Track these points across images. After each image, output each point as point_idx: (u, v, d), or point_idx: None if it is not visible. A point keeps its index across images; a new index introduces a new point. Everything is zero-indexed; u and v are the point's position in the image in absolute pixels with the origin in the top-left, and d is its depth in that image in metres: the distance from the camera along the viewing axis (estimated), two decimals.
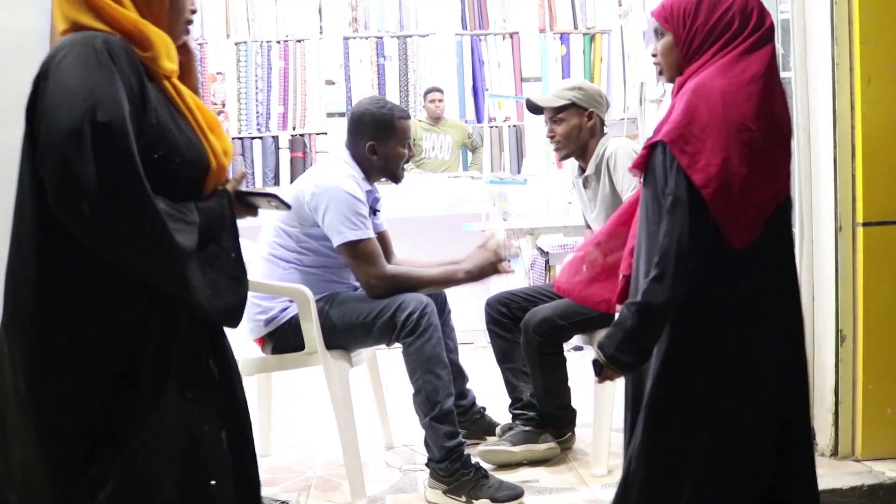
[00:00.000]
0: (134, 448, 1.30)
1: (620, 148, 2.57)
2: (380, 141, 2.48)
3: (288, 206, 1.55)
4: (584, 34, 6.41)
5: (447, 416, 2.32)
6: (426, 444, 2.36)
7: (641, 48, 5.71)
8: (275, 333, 2.42)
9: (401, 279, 2.41)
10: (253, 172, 6.04)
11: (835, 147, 2.48)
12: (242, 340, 2.45)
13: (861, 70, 2.44)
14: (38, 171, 1.26)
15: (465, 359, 2.85)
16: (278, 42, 6.10)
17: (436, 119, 5.77)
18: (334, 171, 2.46)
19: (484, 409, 2.84)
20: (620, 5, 6.31)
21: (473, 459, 2.37)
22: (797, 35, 2.54)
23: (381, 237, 2.64)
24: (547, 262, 4.58)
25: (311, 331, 2.33)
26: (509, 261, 2.53)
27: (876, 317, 2.48)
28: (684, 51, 1.69)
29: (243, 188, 1.52)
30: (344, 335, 2.40)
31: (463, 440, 2.37)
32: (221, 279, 1.38)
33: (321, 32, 6.13)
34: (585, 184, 2.70)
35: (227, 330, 1.47)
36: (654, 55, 1.78)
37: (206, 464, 1.36)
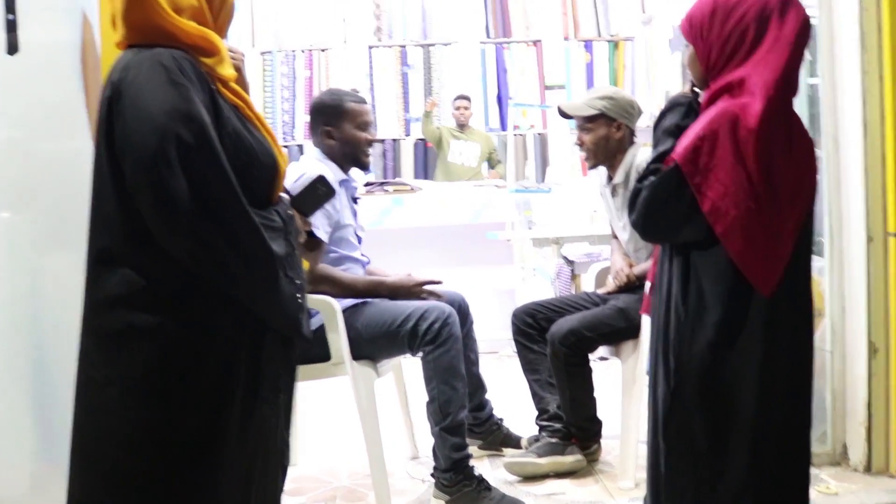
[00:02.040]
0: (229, 453, 1.33)
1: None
2: (333, 125, 2.54)
3: (333, 191, 1.59)
4: (608, 41, 6.39)
5: (457, 428, 2.35)
6: (434, 452, 2.40)
7: (665, 55, 5.69)
8: None
9: (329, 280, 2.42)
10: None
11: (865, 156, 2.46)
12: None
13: (891, 78, 2.41)
14: (122, 188, 1.29)
15: (490, 368, 2.86)
16: (303, 51, 6.14)
17: (462, 126, 5.80)
18: (310, 164, 2.51)
19: (501, 420, 2.83)
20: (644, 12, 6.30)
21: (477, 472, 2.39)
22: (825, 41, 2.52)
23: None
24: (572, 271, 4.57)
25: (338, 341, 2.34)
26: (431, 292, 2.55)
27: None
28: (705, 64, 1.67)
29: None
30: (369, 345, 2.41)
31: (469, 453, 2.40)
32: (297, 287, 1.40)
33: (345, 42, 6.17)
34: (613, 192, 2.70)
35: None
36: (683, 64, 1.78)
37: (276, 467, 1.43)
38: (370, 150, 2.61)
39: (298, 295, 1.41)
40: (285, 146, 6.11)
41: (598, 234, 3.88)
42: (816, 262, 2.57)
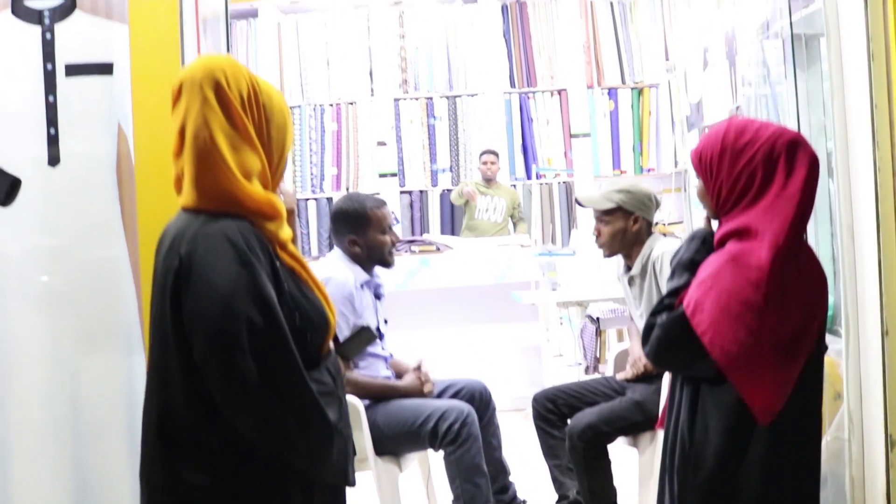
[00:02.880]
0: None
1: (667, 252, 2.61)
2: (358, 233, 2.62)
3: (379, 336, 1.67)
4: (632, 88, 6.46)
5: None
6: None
7: (690, 89, 5.74)
8: None
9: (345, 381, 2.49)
10: (308, 233, 6.22)
11: (879, 250, 2.49)
12: None
13: None
14: (186, 356, 1.35)
15: (515, 427, 2.91)
16: (331, 105, 6.29)
17: (488, 181, 5.86)
18: (336, 266, 2.59)
19: (524, 501, 2.89)
20: (668, 59, 6.35)
21: None
22: (839, 141, 2.57)
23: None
24: (597, 328, 4.61)
25: (362, 439, 2.42)
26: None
27: None
28: (715, 201, 1.72)
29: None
30: (391, 442, 2.50)
31: None
32: (346, 438, 1.46)
33: (372, 94, 6.30)
34: (630, 282, 2.75)
35: None
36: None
37: None
38: (395, 250, 2.70)
39: (346, 445, 1.46)
40: (314, 198, 6.26)
41: (621, 296, 3.92)
42: (835, 345, 2.61)
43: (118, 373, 2.37)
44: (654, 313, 1.71)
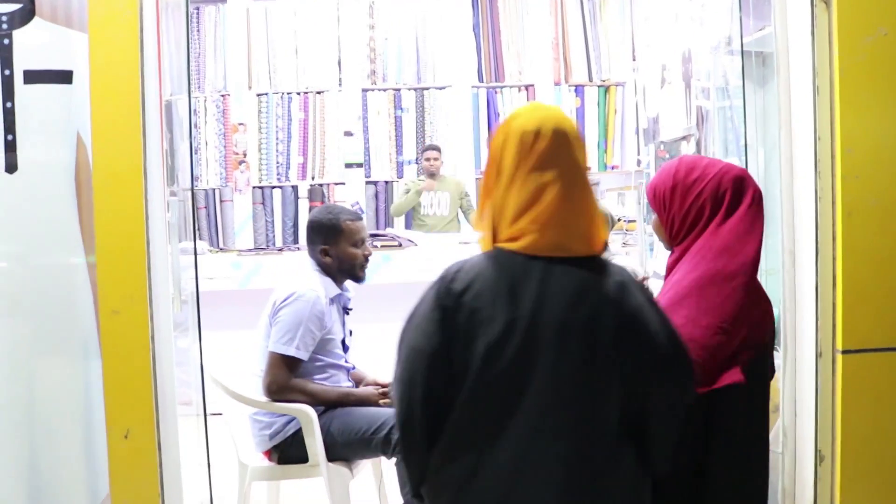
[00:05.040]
0: None
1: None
2: (330, 244, 2.66)
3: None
4: (599, 86, 6.53)
5: None
6: None
7: (648, 103, 5.82)
8: (280, 446, 2.58)
9: (298, 391, 2.56)
10: (272, 221, 6.22)
11: (816, 275, 2.59)
12: (251, 454, 2.61)
13: (842, 204, 2.54)
14: (622, 394, 1.45)
15: None
16: (298, 94, 6.28)
17: (432, 176, 5.90)
18: (310, 282, 2.63)
19: None
20: (634, 59, 6.42)
21: None
22: (784, 168, 2.65)
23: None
24: None
25: (314, 446, 2.48)
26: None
27: (853, 440, 2.58)
28: (668, 232, 1.82)
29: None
30: (344, 448, 2.56)
31: None
32: None
33: (340, 85, 6.30)
34: None
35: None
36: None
37: None
38: (366, 265, 2.73)
39: None
40: (279, 187, 6.26)
41: None
42: (776, 360, 2.72)
43: (75, 378, 2.40)
44: None
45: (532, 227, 1.46)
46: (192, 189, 2.58)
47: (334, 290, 2.67)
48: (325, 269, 2.68)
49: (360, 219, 2.76)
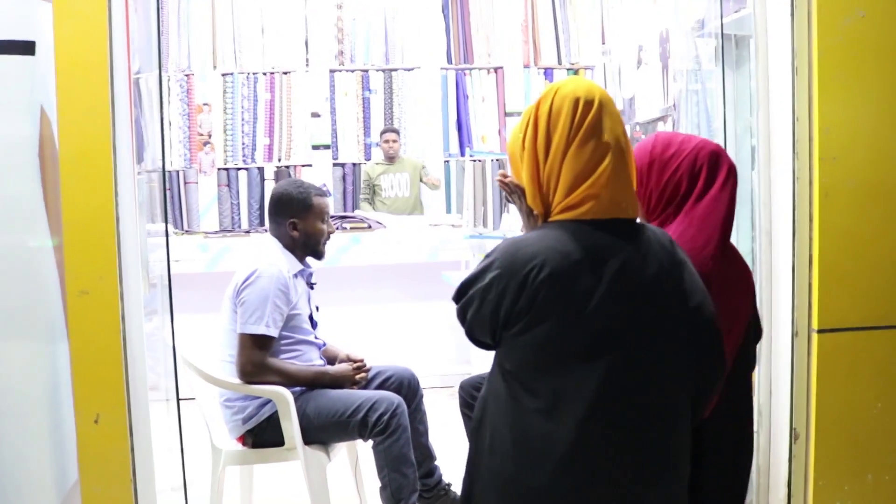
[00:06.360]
0: None
1: None
2: (300, 218, 2.62)
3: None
4: (568, 69, 6.52)
5: None
6: None
7: (624, 84, 5.83)
8: (254, 430, 2.53)
9: (273, 371, 2.52)
10: (238, 203, 6.12)
11: (793, 256, 2.60)
12: (225, 439, 2.55)
13: (820, 185, 2.56)
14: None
15: (442, 406, 2.94)
16: (265, 74, 6.16)
17: (391, 158, 5.88)
18: (272, 258, 2.59)
19: (449, 485, 2.95)
20: (604, 43, 6.42)
21: None
22: (762, 149, 2.66)
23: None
24: None
25: (290, 429, 2.44)
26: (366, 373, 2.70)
27: (827, 418, 2.61)
28: (645, 207, 1.82)
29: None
30: (320, 431, 2.51)
31: None
32: None
33: (307, 65, 6.20)
34: None
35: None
36: None
37: None
38: (328, 241, 2.70)
39: None
40: (245, 169, 6.15)
41: None
42: None
43: (40, 359, 2.32)
44: None
45: (592, 194, 1.49)
46: (164, 169, 2.50)
47: (297, 265, 2.63)
48: (290, 244, 2.63)
49: (326, 195, 2.75)
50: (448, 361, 4.87)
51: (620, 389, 1.48)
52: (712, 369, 1.61)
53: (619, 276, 1.48)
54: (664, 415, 1.54)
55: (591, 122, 1.50)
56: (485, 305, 1.52)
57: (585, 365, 1.47)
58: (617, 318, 1.47)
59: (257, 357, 2.45)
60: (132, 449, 2.27)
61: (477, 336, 1.60)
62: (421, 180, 5.89)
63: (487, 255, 1.55)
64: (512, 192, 1.59)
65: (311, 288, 2.71)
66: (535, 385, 1.50)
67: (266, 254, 2.61)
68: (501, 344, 1.55)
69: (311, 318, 2.68)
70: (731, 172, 1.84)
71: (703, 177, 1.80)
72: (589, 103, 1.51)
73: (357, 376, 2.60)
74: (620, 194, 1.52)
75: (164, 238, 2.59)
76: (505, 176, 1.59)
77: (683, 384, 1.55)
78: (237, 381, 2.50)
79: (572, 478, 1.47)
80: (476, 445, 1.63)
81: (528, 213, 1.56)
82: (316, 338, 2.70)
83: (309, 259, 2.72)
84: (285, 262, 2.57)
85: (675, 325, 1.53)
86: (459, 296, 1.60)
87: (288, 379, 2.52)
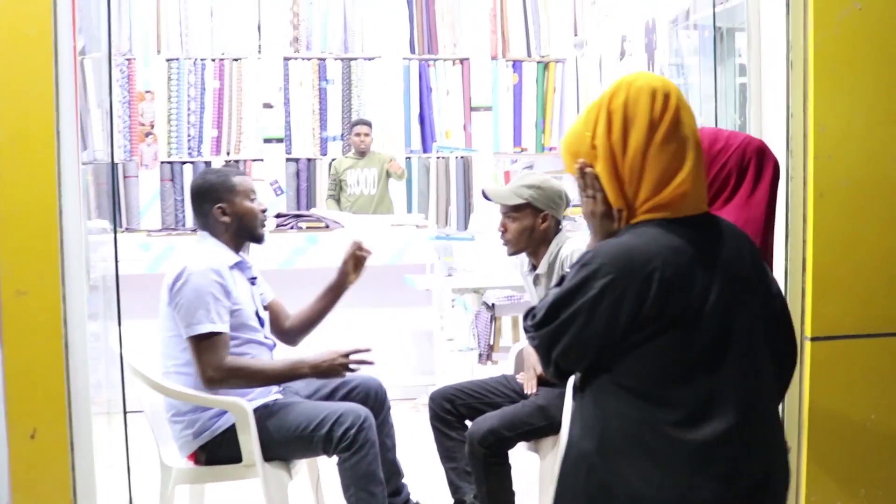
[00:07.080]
0: None
1: (576, 251, 2.65)
2: (225, 201, 2.57)
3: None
4: (538, 62, 6.52)
5: None
6: None
7: (597, 79, 5.85)
8: (207, 445, 2.44)
9: (241, 372, 2.43)
10: (182, 200, 5.99)
11: (786, 260, 2.62)
12: (175, 456, 2.46)
13: (814, 185, 2.57)
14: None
15: (405, 419, 2.89)
16: (213, 60, 6.04)
17: (361, 153, 5.82)
18: (203, 254, 2.52)
19: (418, 503, 2.91)
20: (576, 35, 6.44)
21: None
22: None
23: (273, 306, 2.76)
24: (492, 315, 4.67)
25: (249, 443, 2.36)
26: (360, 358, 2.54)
27: (820, 430, 2.62)
28: None
29: None
30: (282, 447, 2.44)
31: None
32: None
33: (260, 52, 6.10)
34: (536, 281, 2.78)
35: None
36: None
37: None
38: (265, 220, 2.64)
39: None
40: (191, 162, 6.02)
41: (519, 283, 3.97)
42: None
43: None
44: None
45: (682, 192, 1.50)
46: (112, 158, 2.40)
47: (233, 257, 2.55)
48: (223, 232, 2.56)
49: (244, 174, 2.72)
50: (411, 371, 4.81)
51: (747, 385, 1.51)
52: (793, 357, 1.69)
53: (726, 270, 1.51)
54: (771, 405, 1.60)
55: (673, 117, 1.51)
56: (596, 319, 1.46)
57: (715, 365, 1.48)
58: (730, 312, 1.51)
59: (215, 359, 2.37)
60: (73, 467, 2.19)
61: (572, 360, 1.52)
62: (388, 174, 5.84)
63: (580, 265, 1.50)
64: (595, 189, 1.52)
65: (253, 284, 2.63)
66: (669, 395, 1.47)
67: (197, 250, 2.54)
68: (617, 360, 1.49)
69: (257, 314, 2.59)
70: (776, 169, 1.97)
71: (752, 172, 1.91)
72: (667, 96, 1.51)
73: (351, 365, 2.49)
74: (703, 189, 1.55)
75: (111, 235, 2.51)
76: (585, 166, 1.52)
77: (773, 371, 1.61)
78: (189, 391, 2.42)
79: (732, 485, 1.48)
80: (599, 481, 1.52)
81: (604, 214, 1.52)
82: (266, 337, 2.62)
83: (253, 246, 2.66)
84: (217, 256, 2.50)
85: (770, 314, 1.61)
86: (549, 319, 1.50)
87: (259, 378, 2.44)
